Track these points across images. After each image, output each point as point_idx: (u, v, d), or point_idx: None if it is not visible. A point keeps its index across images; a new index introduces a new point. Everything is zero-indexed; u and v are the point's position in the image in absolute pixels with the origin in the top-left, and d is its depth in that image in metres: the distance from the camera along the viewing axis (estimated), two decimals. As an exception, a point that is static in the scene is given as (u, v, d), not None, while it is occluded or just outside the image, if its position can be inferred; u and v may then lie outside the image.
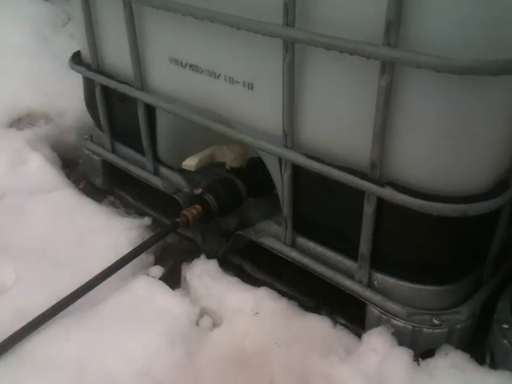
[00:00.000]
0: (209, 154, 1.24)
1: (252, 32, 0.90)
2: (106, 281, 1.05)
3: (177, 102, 1.15)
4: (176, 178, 1.30)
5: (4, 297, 1.04)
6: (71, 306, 1.01)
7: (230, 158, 1.24)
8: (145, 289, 1.05)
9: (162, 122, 1.25)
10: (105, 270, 1.07)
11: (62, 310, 1.00)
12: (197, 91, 1.11)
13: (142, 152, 1.32)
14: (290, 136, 0.96)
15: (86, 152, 1.48)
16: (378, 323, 0.94)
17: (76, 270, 1.09)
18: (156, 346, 0.91)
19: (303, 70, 0.90)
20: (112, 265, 1.08)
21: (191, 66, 1.10)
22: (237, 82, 1.02)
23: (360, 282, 0.96)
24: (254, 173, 1.21)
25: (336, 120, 0.90)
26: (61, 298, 1.01)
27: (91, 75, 1.32)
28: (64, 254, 1.15)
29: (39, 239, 1.19)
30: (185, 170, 1.24)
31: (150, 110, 1.24)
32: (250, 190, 1.21)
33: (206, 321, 1.00)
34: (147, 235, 1.22)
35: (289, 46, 0.88)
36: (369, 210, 0.89)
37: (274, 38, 0.88)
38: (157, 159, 1.31)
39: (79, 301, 1.02)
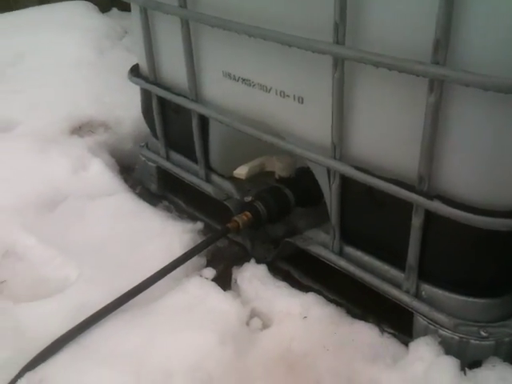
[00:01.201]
0: (259, 164, 1.29)
1: (303, 49, 0.94)
2: (161, 280, 1.12)
3: (229, 114, 1.21)
4: (227, 185, 1.35)
5: (68, 292, 1.12)
6: (129, 303, 1.08)
7: (279, 167, 1.29)
8: (198, 289, 1.11)
9: (214, 132, 1.30)
10: (160, 270, 1.13)
11: (121, 305, 1.07)
12: (248, 104, 1.16)
13: (194, 160, 1.38)
14: (338, 148, 0.99)
15: (142, 159, 1.56)
16: (425, 333, 0.96)
17: (133, 270, 1.16)
18: (208, 343, 0.97)
19: (352, 86, 0.93)
20: (167, 266, 1.14)
21: (244, 79, 1.15)
22: (287, 95, 1.06)
23: (407, 292, 0.98)
24: (302, 182, 1.25)
25: (384, 134, 0.92)
26: (119, 294, 1.08)
27: (148, 87, 1.40)
28: (122, 254, 1.23)
29: (99, 239, 1.27)
30: (235, 178, 1.29)
31: (204, 121, 1.30)
32: (298, 199, 1.25)
33: (255, 322, 1.05)
34: (199, 239, 1.28)
35: (338, 62, 0.91)
36: (416, 222, 0.91)
37: (323, 55, 0.92)
38: (209, 167, 1.37)
39: (137, 298, 1.08)
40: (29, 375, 0.92)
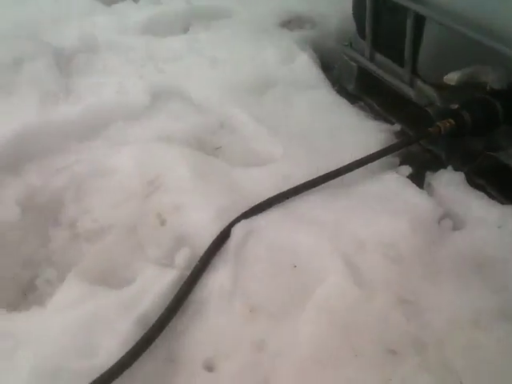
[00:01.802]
0: (471, 72, 1.23)
1: None
2: (358, 170, 1.19)
3: (450, 15, 1.16)
4: (430, 91, 1.33)
5: (274, 165, 1.26)
6: (326, 184, 1.17)
7: (492, 78, 1.22)
8: (394, 182, 1.17)
9: (428, 35, 1.27)
10: (357, 160, 1.20)
11: (322, 183, 1.17)
12: (473, 6, 1.11)
13: (399, 63, 1.38)
14: None
15: (344, 58, 1.60)
16: None
17: (331, 156, 1.25)
18: (401, 229, 1.03)
19: None
20: (364, 157, 1.21)
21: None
22: (525, -3, 1.00)
23: None
24: (516, 98, 1.18)
25: None
26: (316, 176, 1.17)
27: (366, -17, 1.40)
28: (320, 142, 1.33)
29: (301, 126, 1.39)
30: (439, 85, 1.27)
31: (419, 22, 1.27)
32: (508, 115, 1.18)
33: (447, 222, 1.08)
34: (394, 140, 1.32)
35: None
36: None
37: None
38: (414, 71, 1.36)
39: (335, 180, 1.18)
40: (244, 222, 1.08)
